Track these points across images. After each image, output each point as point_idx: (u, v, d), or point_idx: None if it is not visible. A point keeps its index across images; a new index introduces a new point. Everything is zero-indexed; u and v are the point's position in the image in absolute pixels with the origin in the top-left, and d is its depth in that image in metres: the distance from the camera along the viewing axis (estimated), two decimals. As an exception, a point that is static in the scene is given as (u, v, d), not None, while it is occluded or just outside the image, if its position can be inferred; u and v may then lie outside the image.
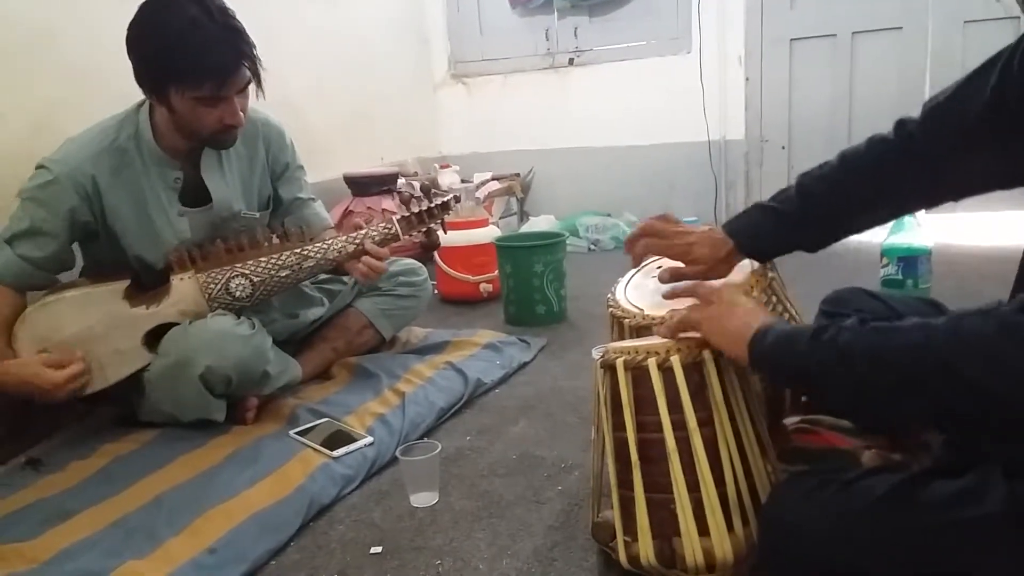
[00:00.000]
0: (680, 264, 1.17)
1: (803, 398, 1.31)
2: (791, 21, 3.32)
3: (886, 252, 2.30)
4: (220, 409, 1.59)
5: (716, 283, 1.10)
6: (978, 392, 0.73)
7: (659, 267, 1.35)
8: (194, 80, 1.44)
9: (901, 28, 3.12)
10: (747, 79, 3.43)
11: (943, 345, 0.75)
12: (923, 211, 1.11)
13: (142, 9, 1.46)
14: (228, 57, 1.45)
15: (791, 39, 3.34)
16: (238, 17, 1.49)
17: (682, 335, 1.01)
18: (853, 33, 3.22)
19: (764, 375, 1.05)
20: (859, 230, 1.12)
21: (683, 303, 1.08)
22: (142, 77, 1.49)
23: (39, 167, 1.54)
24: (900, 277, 2.27)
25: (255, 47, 1.50)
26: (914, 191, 1.06)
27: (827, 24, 3.26)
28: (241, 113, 1.54)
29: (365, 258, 1.67)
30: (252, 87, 1.54)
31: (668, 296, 1.15)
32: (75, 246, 1.63)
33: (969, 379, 0.73)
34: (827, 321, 0.87)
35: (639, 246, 1.20)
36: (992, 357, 0.72)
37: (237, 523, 1.24)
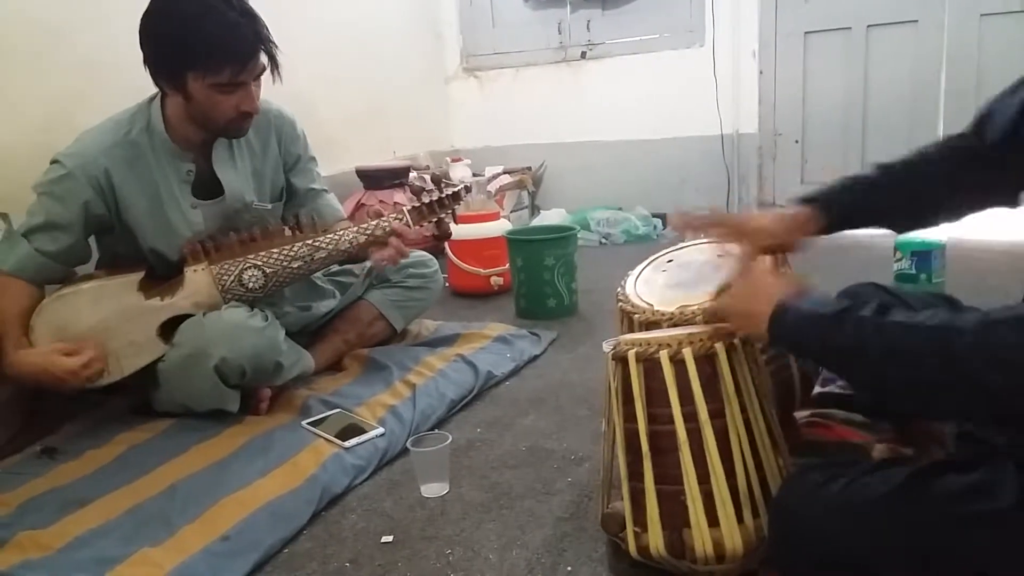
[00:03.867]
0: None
1: (814, 392, 1.31)
2: (805, 14, 3.30)
3: (899, 246, 2.28)
4: (234, 400, 1.60)
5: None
6: (1005, 401, 0.73)
7: (669, 260, 1.35)
8: (215, 65, 1.45)
9: (916, 21, 3.10)
10: (761, 72, 3.41)
11: (971, 352, 0.73)
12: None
13: None
14: (248, 42, 1.47)
15: (805, 32, 3.32)
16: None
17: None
18: (868, 26, 3.19)
19: (786, 353, 1.04)
20: (935, 216, 1.10)
21: (694, 298, 1.08)
22: (159, 65, 1.50)
23: (53, 161, 1.55)
24: (913, 272, 2.26)
25: (271, 32, 1.51)
26: (977, 187, 1.05)
27: (842, 17, 3.24)
28: (256, 101, 1.55)
29: (393, 240, 1.65)
30: (266, 74, 1.54)
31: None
32: (91, 239, 1.64)
33: (997, 390, 0.72)
34: (849, 302, 0.86)
35: (696, 221, 1.17)
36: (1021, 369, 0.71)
37: (250, 512, 1.25)
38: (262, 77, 1.55)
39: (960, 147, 1.06)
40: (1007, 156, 0.95)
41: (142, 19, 1.48)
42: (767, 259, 1.11)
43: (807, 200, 1.12)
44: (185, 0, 1.45)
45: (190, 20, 1.43)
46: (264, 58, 1.51)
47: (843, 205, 1.11)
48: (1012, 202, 1.02)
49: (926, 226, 1.12)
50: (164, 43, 1.47)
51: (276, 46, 1.53)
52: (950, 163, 1.06)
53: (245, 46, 1.47)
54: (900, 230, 1.16)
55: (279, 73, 1.55)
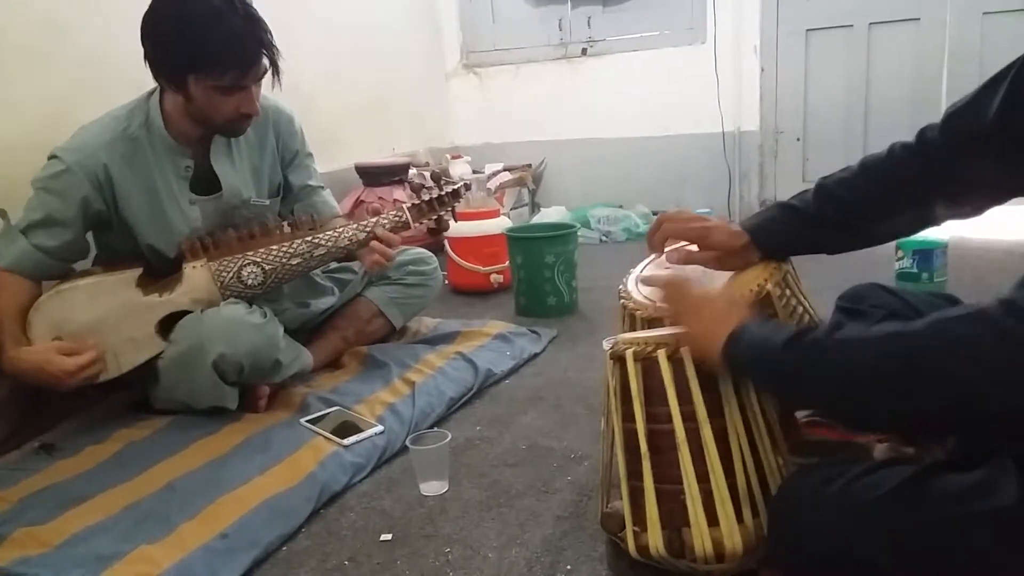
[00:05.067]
0: (695, 249, 1.16)
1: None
2: (807, 11, 3.29)
3: (901, 245, 2.28)
4: (232, 397, 1.60)
5: (718, 275, 1.09)
6: (968, 397, 0.73)
7: (672, 257, 1.35)
8: (218, 70, 1.45)
9: (919, 19, 3.09)
10: (762, 70, 3.40)
11: (927, 351, 0.74)
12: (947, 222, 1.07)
13: None
14: (252, 48, 1.46)
15: (807, 29, 3.31)
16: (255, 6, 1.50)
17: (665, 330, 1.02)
18: (870, 24, 3.19)
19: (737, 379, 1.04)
20: (880, 239, 1.09)
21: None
22: (160, 64, 1.49)
23: (51, 157, 1.55)
24: (915, 270, 2.26)
25: (273, 37, 1.51)
26: (933, 200, 1.03)
27: (844, 14, 3.23)
28: (256, 103, 1.55)
29: (375, 244, 1.67)
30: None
31: (645, 281, 1.16)
32: (89, 235, 1.64)
33: (960, 385, 0.72)
34: (797, 327, 0.86)
35: (659, 233, 1.19)
36: (983, 362, 0.71)
37: (249, 509, 1.25)
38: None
39: (911, 157, 1.02)
40: (979, 160, 0.93)
41: (144, 17, 1.47)
42: (757, 268, 1.12)
43: (747, 228, 1.13)
44: (191, 3, 1.44)
45: (194, 24, 1.42)
46: (266, 61, 1.51)
47: (777, 241, 1.12)
48: (982, 209, 1.00)
49: (866, 244, 1.11)
50: (166, 45, 1.47)
51: (278, 51, 1.52)
52: (900, 175, 1.03)
53: (248, 53, 1.46)
54: (832, 252, 1.15)
55: (280, 78, 1.55)
